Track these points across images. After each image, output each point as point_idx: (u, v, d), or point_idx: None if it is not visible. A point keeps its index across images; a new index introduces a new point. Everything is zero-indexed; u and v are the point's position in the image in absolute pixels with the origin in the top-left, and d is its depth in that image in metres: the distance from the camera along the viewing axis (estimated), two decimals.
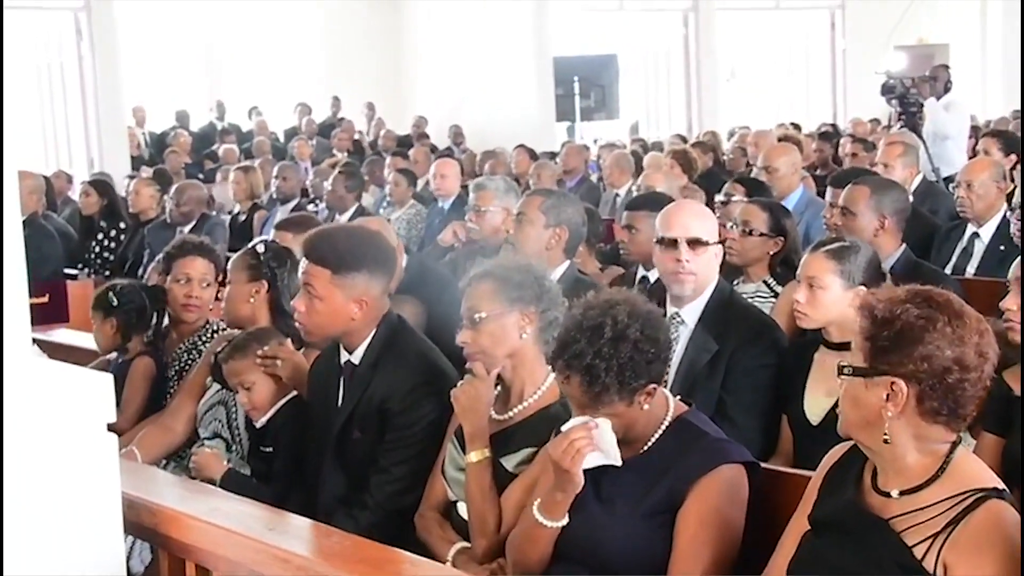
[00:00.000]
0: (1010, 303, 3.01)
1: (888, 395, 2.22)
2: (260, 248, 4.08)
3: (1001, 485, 2.25)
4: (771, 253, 4.68)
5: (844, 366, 2.29)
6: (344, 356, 3.41)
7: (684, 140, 12.64)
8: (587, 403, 2.62)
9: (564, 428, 2.64)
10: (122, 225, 8.48)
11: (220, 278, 4.38)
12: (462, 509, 3.08)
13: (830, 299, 3.49)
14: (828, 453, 2.50)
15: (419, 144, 12.93)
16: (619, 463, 2.63)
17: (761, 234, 4.68)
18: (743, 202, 5.53)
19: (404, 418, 3.25)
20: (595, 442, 2.59)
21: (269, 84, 17.19)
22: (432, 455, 3.22)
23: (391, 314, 3.41)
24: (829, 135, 11.50)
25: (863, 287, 3.50)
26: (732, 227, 4.73)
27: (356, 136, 15.04)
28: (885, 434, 2.23)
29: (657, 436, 2.70)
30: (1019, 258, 3.13)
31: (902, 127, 8.78)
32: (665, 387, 2.79)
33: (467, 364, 3.10)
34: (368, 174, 10.98)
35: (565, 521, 2.68)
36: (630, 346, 2.60)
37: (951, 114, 8.41)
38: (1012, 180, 5.88)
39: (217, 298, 4.34)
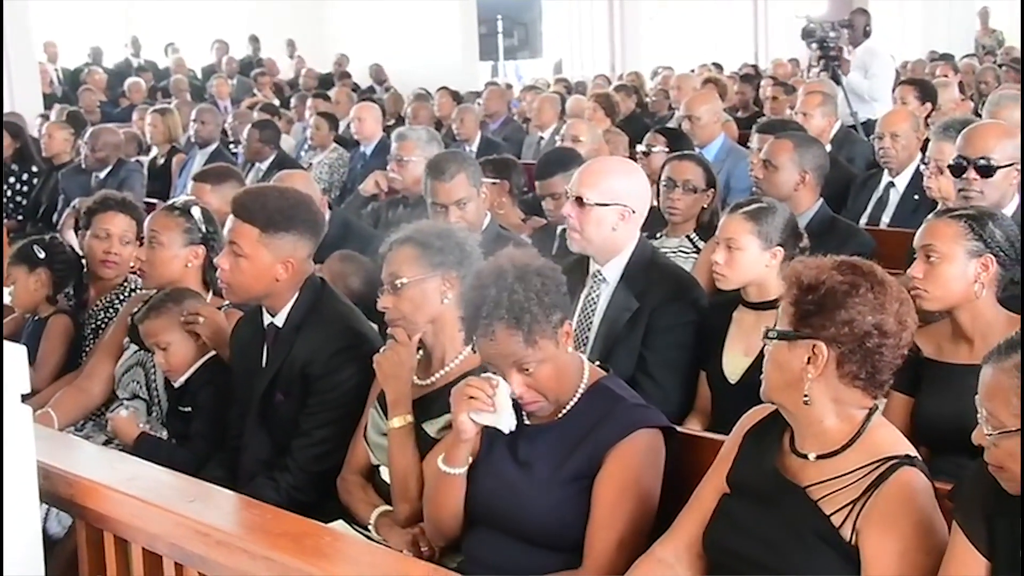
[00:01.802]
0: (916, 271, 3.05)
1: (809, 358, 2.27)
2: (196, 212, 3.96)
3: (913, 452, 2.31)
4: (703, 207, 4.74)
5: (769, 330, 2.33)
6: (267, 318, 3.39)
7: (608, 81, 12.63)
8: (519, 349, 2.59)
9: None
10: (34, 169, 8.28)
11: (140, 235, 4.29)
12: (384, 473, 3.09)
13: (748, 260, 3.53)
14: (746, 414, 2.54)
15: (340, 84, 12.75)
16: (508, 429, 2.65)
17: (700, 190, 4.74)
18: (664, 153, 5.58)
19: (326, 382, 3.24)
20: (494, 401, 2.62)
21: (186, 20, 16.79)
22: (355, 419, 3.21)
23: (314, 277, 3.39)
24: (750, 77, 11.56)
25: (780, 248, 3.55)
26: (670, 185, 4.76)
27: (277, 78, 14.79)
28: (805, 395, 2.28)
29: (574, 401, 2.72)
30: (925, 223, 3.16)
31: (821, 71, 8.86)
32: (584, 352, 2.81)
33: (388, 330, 3.09)
34: (294, 113, 10.84)
35: (463, 470, 2.71)
36: (536, 277, 2.62)
37: (872, 76, 8.50)
38: (927, 128, 5.96)
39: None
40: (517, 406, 2.67)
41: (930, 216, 3.17)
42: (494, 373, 2.67)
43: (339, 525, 3.01)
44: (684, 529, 2.48)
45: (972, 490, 2.15)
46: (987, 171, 3.88)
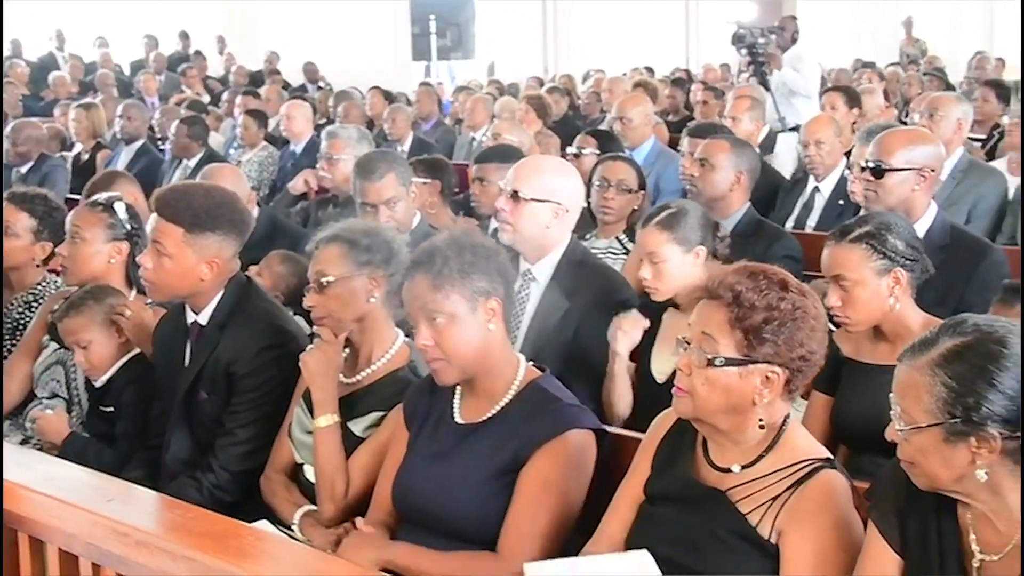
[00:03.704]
0: (833, 300, 3.09)
1: (761, 382, 2.28)
2: (120, 208, 3.90)
3: (829, 455, 2.35)
4: (634, 209, 4.77)
5: (715, 358, 2.27)
6: (190, 316, 3.35)
7: (541, 83, 12.67)
8: (426, 293, 2.63)
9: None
10: None
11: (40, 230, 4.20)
12: (309, 472, 3.07)
13: (674, 269, 3.54)
14: (654, 422, 2.55)
15: (271, 82, 12.64)
16: None
17: (632, 191, 4.77)
18: (595, 155, 5.61)
19: (251, 380, 3.21)
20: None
21: (115, 14, 16.53)
22: (279, 418, 3.19)
23: (239, 275, 3.36)
24: (681, 81, 11.67)
25: (701, 247, 3.57)
26: (604, 185, 4.78)
27: (207, 74, 14.62)
28: (760, 419, 2.30)
29: (507, 400, 2.72)
30: (827, 248, 3.20)
31: (751, 76, 8.97)
32: (514, 345, 2.82)
33: (314, 328, 3.07)
34: (223, 110, 10.72)
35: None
36: (469, 247, 2.67)
37: (800, 73, 8.62)
38: (853, 133, 6.06)
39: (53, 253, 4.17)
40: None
41: (829, 240, 3.18)
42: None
43: (263, 525, 2.97)
44: (607, 536, 2.49)
45: (886, 488, 2.19)
46: (877, 173, 3.93)
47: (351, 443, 2.99)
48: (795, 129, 7.50)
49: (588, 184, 4.88)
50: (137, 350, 3.59)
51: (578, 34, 18.35)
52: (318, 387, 2.99)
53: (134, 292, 3.79)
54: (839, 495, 2.26)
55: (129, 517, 2.37)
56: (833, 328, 3.32)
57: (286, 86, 13.24)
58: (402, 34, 15.36)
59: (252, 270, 4.19)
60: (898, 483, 2.13)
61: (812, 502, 2.24)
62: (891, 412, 2.07)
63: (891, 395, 2.08)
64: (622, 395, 3.52)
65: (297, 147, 8.10)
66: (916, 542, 2.13)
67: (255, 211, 5.01)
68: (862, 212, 3.95)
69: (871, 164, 3.95)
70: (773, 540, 2.25)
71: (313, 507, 3.02)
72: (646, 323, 3.49)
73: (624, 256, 4.61)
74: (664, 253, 3.54)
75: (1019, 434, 1.97)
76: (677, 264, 3.54)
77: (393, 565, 2.64)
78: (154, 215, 3.27)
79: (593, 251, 4.34)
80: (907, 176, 3.90)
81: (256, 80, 13.51)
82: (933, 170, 3.96)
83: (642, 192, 4.86)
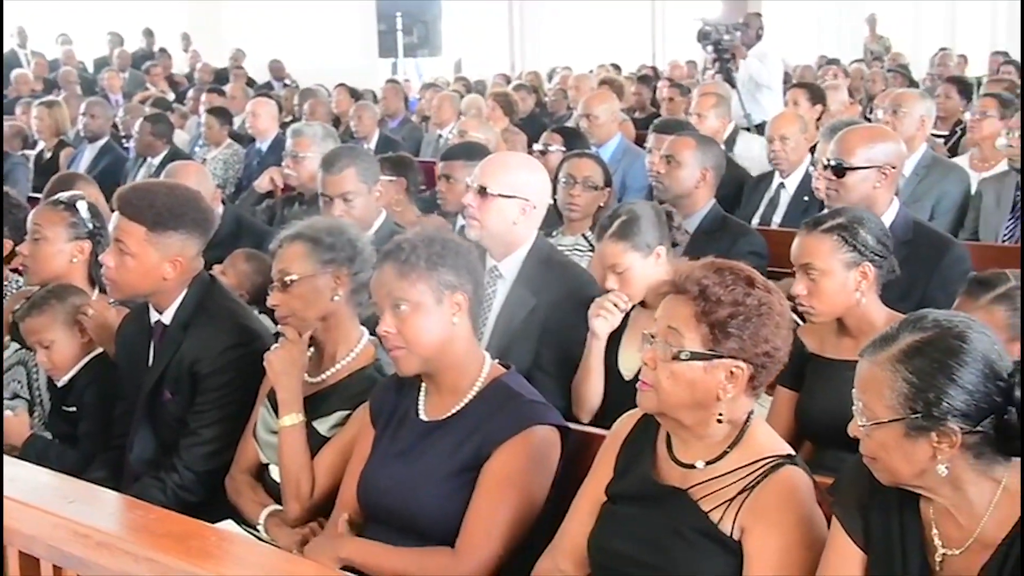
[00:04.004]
0: (799, 289, 3.11)
1: (726, 376, 2.28)
2: (82, 207, 3.86)
3: (792, 451, 2.36)
4: (600, 205, 4.78)
5: (680, 352, 2.27)
6: (154, 315, 3.32)
7: (507, 80, 12.66)
8: (392, 280, 2.65)
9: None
10: None
11: None
12: (274, 472, 3.05)
13: (638, 275, 3.53)
14: (617, 422, 2.55)
15: (236, 79, 12.56)
16: None
17: (598, 187, 4.77)
18: (561, 152, 5.62)
19: (215, 379, 3.19)
20: None
21: (78, 11, 16.37)
22: (244, 417, 3.17)
23: (203, 274, 3.33)
24: (648, 78, 11.68)
25: (660, 246, 3.58)
26: (570, 181, 4.78)
27: (171, 72, 14.51)
28: (720, 413, 2.31)
29: (471, 396, 2.72)
30: (798, 237, 3.21)
31: (716, 73, 9.00)
32: (481, 342, 2.82)
33: (278, 327, 3.06)
34: (188, 108, 10.65)
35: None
36: (438, 241, 2.69)
37: (766, 65, 8.66)
38: (818, 130, 6.09)
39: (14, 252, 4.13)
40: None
41: (800, 230, 3.21)
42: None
43: (227, 525, 2.97)
44: (568, 537, 2.49)
45: (849, 484, 2.20)
46: (838, 172, 3.96)
47: (316, 442, 2.97)
48: (760, 127, 7.54)
49: (554, 181, 4.88)
50: (100, 350, 3.56)
51: (545, 31, 18.36)
52: (282, 386, 2.97)
53: (96, 291, 3.76)
54: (801, 491, 2.27)
55: (91, 518, 2.34)
56: (799, 322, 3.35)
57: (251, 83, 13.17)
58: (368, 31, 15.31)
59: (216, 269, 4.17)
60: (861, 478, 2.15)
61: (774, 499, 2.25)
62: (853, 408, 2.08)
63: (853, 391, 2.09)
64: (595, 385, 3.52)
65: (263, 145, 8.05)
66: (879, 537, 2.14)
67: (220, 209, 4.98)
68: (825, 209, 3.97)
69: (832, 163, 3.98)
70: (736, 537, 2.26)
71: (279, 507, 3.00)
72: (627, 302, 3.49)
73: (590, 253, 4.61)
74: (625, 262, 3.54)
75: (979, 429, 1.99)
76: (640, 269, 3.54)
77: (350, 561, 2.64)
78: (116, 214, 3.24)
79: (559, 248, 4.35)
80: (868, 174, 3.93)
81: (221, 77, 13.42)
82: (894, 167, 3.99)
83: (608, 189, 4.87)
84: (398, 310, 2.65)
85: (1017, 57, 12.33)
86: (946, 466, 2.00)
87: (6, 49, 15.35)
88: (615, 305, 3.48)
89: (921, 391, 1.98)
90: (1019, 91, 7.59)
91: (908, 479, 2.05)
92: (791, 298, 3.38)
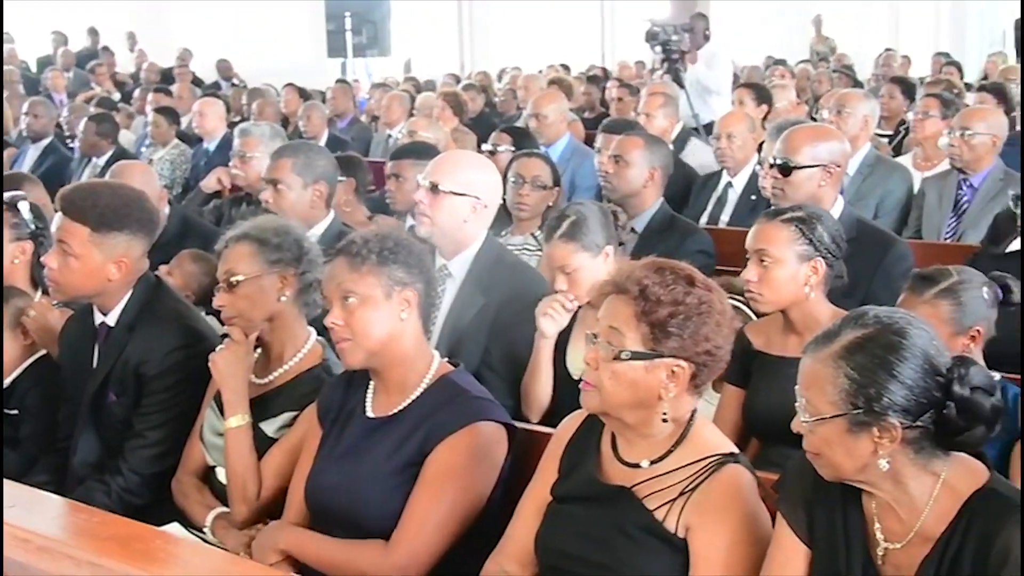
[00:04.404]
0: (751, 274, 3.14)
1: (667, 376, 2.29)
2: (23, 207, 3.80)
3: (735, 449, 2.38)
4: (549, 205, 4.79)
5: (621, 352, 2.28)
6: (98, 317, 3.29)
7: (457, 80, 12.64)
8: (344, 273, 2.66)
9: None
10: None
11: None
12: (221, 474, 3.03)
13: (586, 275, 3.53)
14: (562, 424, 2.56)
15: (183, 79, 12.44)
16: None
17: (547, 187, 4.78)
18: (510, 152, 5.62)
19: (160, 381, 3.16)
20: None
21: (20, 9, 16.12)
22: (190, 419, 3.15)
23: (149, 275, 3.31)
24: (597, 79, 11.72)
25: (608, 246, 3.59)
26: (519, 181, 4.79)
27: (117, 71, 14.34)
28: (664, 413, 2.31)
29: (418, 393, 2.72)
30: (756, 225, 3.23)
31: (664, 73, 9.05)
32: (430, 341, 2.82)
33: (224, 327, 3.03)
34: (134, 107, 10.53)
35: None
36: (392, 238, 2.72)
37: (713, 70, 8.73)
38: (764, 130, 6.14)
39: None
40: None
41: (760, 218, 3.25)
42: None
43: (174, 528, 2.94)
44: (513, 539, 2.49)
45: (793, 479, 2.22)
46: (784, 170, 4.00)
47: (263, 444, 2.96)
48: (708, 127, 7.59)
49: (503, 181, 4.89)
50: (43, 352, 3.51)
51: (495, 31, 18.37)
52: (228, 388, 2.96)
53: (39, 293, 3.71)
54: (744, 489, 2.29)
55: (31, 522, 2.30)
56: (751, 314, 3.38)
57: (199, 83, 13.05)
58: (317, 31, 15.22)
59: (163, 269, 4.13)
60: (805, 474, 2.17)
61: (718, 496, 2.26)
62: (796, 404, 2.10)
63: (796, 387, 2.11)
64: (544, 384, 3.53)
65: (210, 145, 7.98)
66: (823, 532, 2.16)
67: (166, 209, 4.93)
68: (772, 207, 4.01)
69: (778, 161, 4.01)
70: (681, 535, 2.27)
71: (226, 509, 2.99)
72: (573, 302, 3.50)
73: (539, 252, 4.62)
74: (575, 263, 3.55)
75: (919, 423, 2.01)
76: (589, 269, 3.55)
77: (287, 550, 2.66)
78: (59, 214, 3.20)
79: (509, 248, 4.35)
80: (813, 172, 3.97)
81: (168, 77, 13.27)
82: (839, 165, 4.03)
83: (557, 188, 4.88)
84: (347, 302, 2.66)
85: (958, 58, 12.54)
86: (887, 460, 2.03)
87: None
88: (562, 306, 3.49)
89: (862, 387, 2.01)
90: (957, 92, 7.70)
91: (851, 474, 2.08)
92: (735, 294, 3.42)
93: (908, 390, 2.00)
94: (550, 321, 3.49)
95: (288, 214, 4.23)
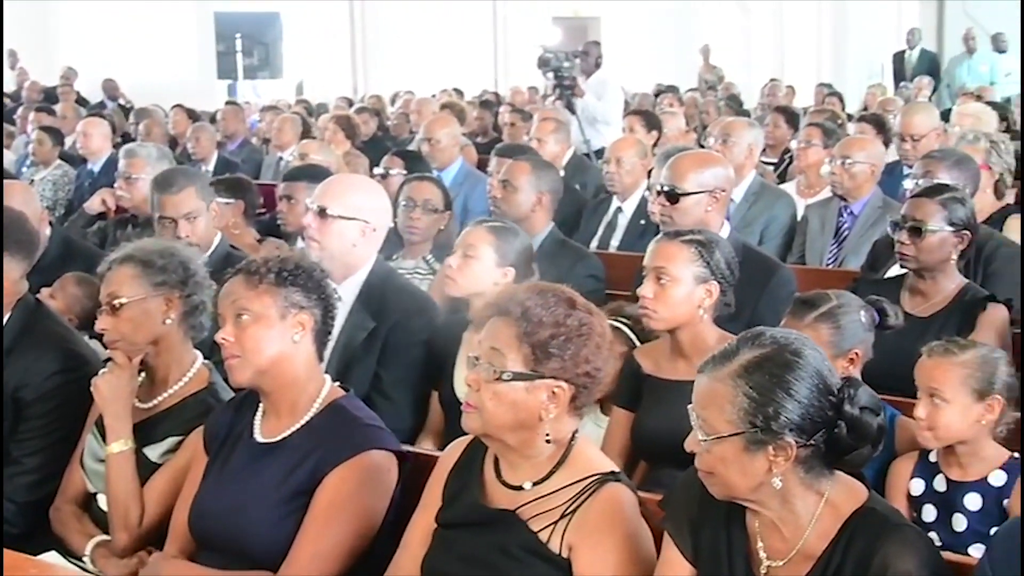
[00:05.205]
0: (647, 291, 3.18)
1: (548, 397, 2.31)
2: None
3: (616, 468, 2.40)
4: (440, 229, 4.79)
5: (503, 373, 2.30)
6: None
7: (350, 103, 12.59)
8: (241, 289, 2.66)
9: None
10: None
11: None
12: (102, 501, 2.97)
13: (480, 271, 3.62)
14: (445, 451, 2.56)
15: (66, 98, 12.16)
16: None
17: (439, 211, 4.79)
18: (402, 175, 5.62)
19: (39, 406, 3.09)
20: None
21: None
22: (70, 445, 3.08)
23: (28, 297, 3.24)
24: (490, 103, 11.78)
25: (512, 269, 3.62)
26: (410, 205, 4.79)
27: None
28: (548, 435, 2.33)
29: (307, 418, 2.69)
30: (653, 242, 3.30)
31: (556, 100, 9.14)
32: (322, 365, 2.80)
33: (107, 351, 2.97)
34: (16, 127, 10.25)
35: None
36: (297, 264, 2.71)
37: (603, 101, 8.85)
38: (653, 155, 6.23)
39: None
40: None
41: (660, 236, 3.30)
42: None
43: (51, 557, 2.87)
44: (401, 568, 2.48)
45: (679, 499, 2.26)
46: (672, 198, 4.08)
47: (147, 470, 2.91)
48: (600, 153, 7.68)
49: (394, 204, 4.88)
50: None
51: (388, 55, 18.31)
52: (110, 413, 2.90)
53: None
54: (625, 508, 2.31)
55: None
56: (634, 339, 3.42)
57: (83, 102, 12.77)
58: (207, 52, 15.02)
59: (45, 292, 4.03)
60: (691, 493, 2.20)
61: (599, 516, 2.28)
62: (691, 422, 2.12)
63: (690, 406, 2.13)
64: None
65: (94, 165, 7.82)
66: (707, 551, 2.19)
67: (47, 231, 4.81)
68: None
69: (665, 188, 4.08)
70: (564, 555, 2.28)
71: (106, 537, 2.92)
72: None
73: (431, 276, 4.62)
74: (480, 251, 3.60)
75: (812, 443, 2.05)
76: (485, 268, 3.58)
77: None
78: None
79: (400, 271, 4.34)
80: (700, 198, 4.05)
81: (51, 96, 12.96)
82: (724, 190, 4.12)
83: (448, 212, 4.89)
84: (240, 319, 2.64)
85: (840, 89, 12.90)
86: (780, 479, 2.06)
87: None
88: None
89: (761, 405, 2.03)
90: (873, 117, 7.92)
91: (743, 493, 2.10)
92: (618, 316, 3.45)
93: (804, 409, 2.04)
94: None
95: (207, 242, 4.31)
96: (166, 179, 4.45)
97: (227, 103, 11.65)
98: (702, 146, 7.17)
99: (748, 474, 2.07)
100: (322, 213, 3.67)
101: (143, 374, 3.01)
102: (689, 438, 2.12)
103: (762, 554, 2.15)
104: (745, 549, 2.17)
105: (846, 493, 2.12)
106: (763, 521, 2.14)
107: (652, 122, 7.54)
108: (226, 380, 2.78)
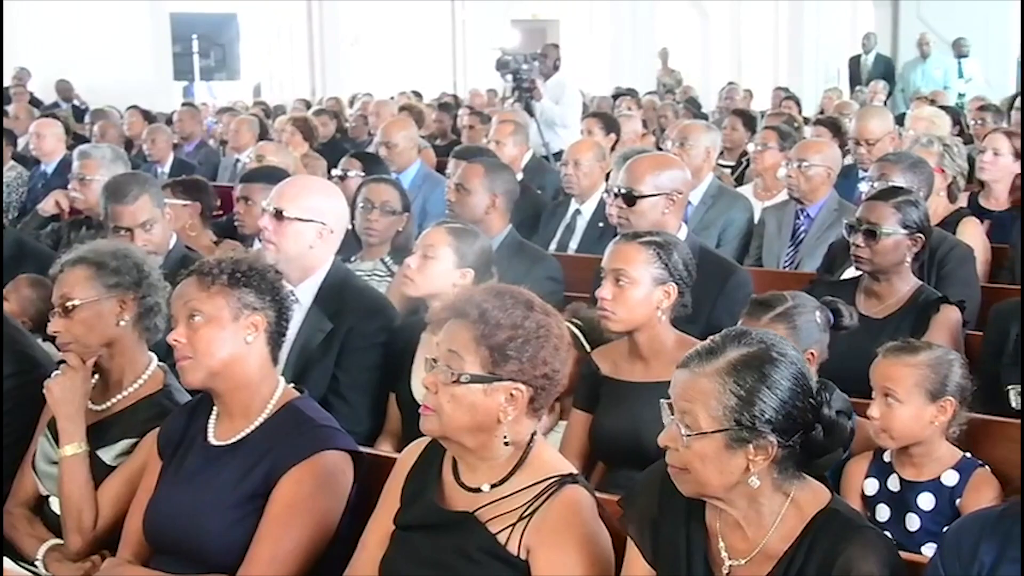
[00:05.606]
0: (605, 292, 3.19)
1: (506, 399, 2.31)
2: None
3: (574, 470, 2.39)
4: (398, 231, 4.78)
5: (460, 375, 2.29)
6: None
7: (308, 105, 12.53)
8: (193, 290, 2.65)
9: None
10: None
11: None
12: (55, 504, 2.94)
13: (439, 271, 3.63)
14: (402, 453, 2.55)
15: (19, 99, 12.03)
16: None
17: (396, 212, 4.77)
18: (360, 177, 5.59)
19: None
20: None
21: None
22: (21, 448, 3.04)
23: None
24: (449, 106, 11.77)
25: (471, 271, 3.62)
26: (367, 207, 4.77)
27: None
28: (506, 437, 2.32)
29: (261, 420, 2.68)
30: (611, 243, 3.31)
31: (515, 102, 9.16)
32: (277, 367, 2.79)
33: (60, 353, 2.94)
34: None
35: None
36: (250, 266, 2.70)
37: (561, 104, 8.87)
38: (611, 158, 6.25)
39: None
40: None
41: (619, 239, 3.31)
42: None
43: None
44: (359, 570, 2.46)
45: (638, 498, 2.26)
46: (629, 200, 4.09)
47: (101, 472, 2.88)
48: (558, 155, 7.69)
49: (352, 206, 4.86)
50: None
51: (346, 57, 18.26)
52: (63, 415, 2.87)
53: None
54: (583, 510, 2.30)
55: None
56: (584, 343, 3.42)
57: (37, 103, 12.63)
58: (163, 53, 14.88)
59: None
60: (650, 493, 2.20)
61: (557, 517, 2.28)
62: (664, 419, 2.11)
63: (666, 401, 2.12)
64: None
65: (48, 167, 7.74)
66: (667, 550, 2.20)
67: None
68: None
69: (622, 191, 4.09)
70: (523, 556, 2.28)
71: (59, 541, 2.89)
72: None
73: (389, 278, 4.61)
74: (439, 252, 3.60)
75: (790, 443, 2.06)
76: (443, 269, 3.58)
77: None
78: None
79: (358, 273, 4.33)
80: (657, 201, 4.07)
81: (3, 97, 12.81)
82: (681, 193, 4.13)
83: (406, 214, 4.88)
84: (192, 320, 2.63)
85: (796, 92, 13.01)
86: (757, 478, 2.06)
87: None
88: None
89: (748, 403, 2.04)
90: (796, 123, 7.99)
91: (715, 491, 2.10)
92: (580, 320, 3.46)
93: (788, 410, 2.05)
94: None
95: (163, 247, 4.32)
96: (119, 189, 4.39)
97: (183, 104, 11.57)
98: (660, 149, 7.21)
99: (725, 472, 2.07)
100: (279, 215, 3.65)
101: (97, 376, 2.98)
102: (664, 434, 2.11)
103: (724, 554, 2.15)
104: (705, 548, 2.17)
105: (811, 494, 2.13)
106: (725, 520, 2.15)
107: (610, 125, 7.56)
108: (179, 375, 2.76)
